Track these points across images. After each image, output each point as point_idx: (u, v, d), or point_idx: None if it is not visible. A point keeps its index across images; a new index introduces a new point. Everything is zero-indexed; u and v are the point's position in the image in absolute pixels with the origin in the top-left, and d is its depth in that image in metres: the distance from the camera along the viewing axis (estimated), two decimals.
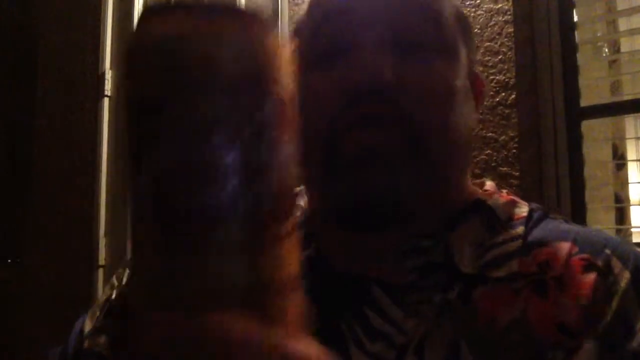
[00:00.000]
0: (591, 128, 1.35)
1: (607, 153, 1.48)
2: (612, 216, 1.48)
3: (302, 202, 0.60)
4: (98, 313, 0.56)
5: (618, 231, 1.47)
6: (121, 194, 1.89)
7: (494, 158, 1.29)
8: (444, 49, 0.50)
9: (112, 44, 1.97)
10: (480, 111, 1.30)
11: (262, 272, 0.26)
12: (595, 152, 1.39)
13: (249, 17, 0.27)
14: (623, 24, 1.47)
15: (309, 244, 0.53)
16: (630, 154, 1.48)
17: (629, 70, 1.44)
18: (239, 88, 0.26)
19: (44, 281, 2.00)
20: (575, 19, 1.35)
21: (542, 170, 1.31)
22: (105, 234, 1.89)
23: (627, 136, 1.45)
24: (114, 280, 0.58)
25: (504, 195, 0.54)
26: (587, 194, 1.30)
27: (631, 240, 1.46)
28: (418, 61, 0.48)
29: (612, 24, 1.50)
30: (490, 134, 1.30)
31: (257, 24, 0.27)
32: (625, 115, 1.37)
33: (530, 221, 0.50)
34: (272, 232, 0.26)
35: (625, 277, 0.44)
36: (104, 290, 0.58)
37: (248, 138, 0.26)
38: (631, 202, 1.45)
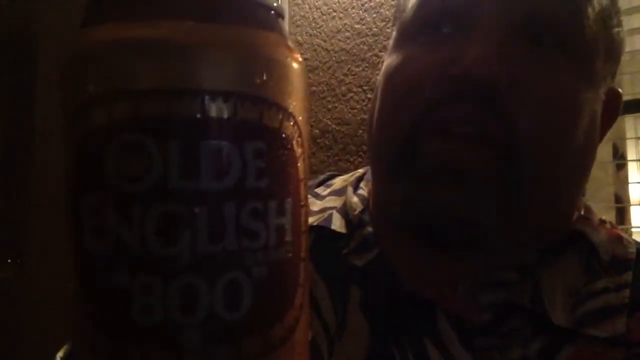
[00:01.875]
0: None
1: (607, 153, 1.48)
2: (612, 216, 1.47)
3: (366, 189, 0.50)
4: None
5: None
6: None
7: None
8: (580, 48, 0.39)
9: None
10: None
11: None
12: None
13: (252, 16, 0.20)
14: (623, 24, 1.46)
15: (373, 245, 0.45)
16: (631, 154, 1.48)
17: (629, 70, 1.44)
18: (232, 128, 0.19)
19: (44, 281, 2.00)
20: None
21: None
22: None
23: (627, 136, 1.45)
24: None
25: (607, 228, 0.45)
26: (587, 194, 1.29)
27: None
28: (545, 59, 0.38)
29: None
30: None
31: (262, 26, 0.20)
32: (626, 115, 1.37)
33: (638, 268, 0.41)
34: (250, 349, 0.19)
35: None
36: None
37: (215, 210, 0.19)
38: (631, 202, 1.45)
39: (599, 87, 0.43)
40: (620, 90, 0.47)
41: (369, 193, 0.50)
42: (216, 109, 0.18)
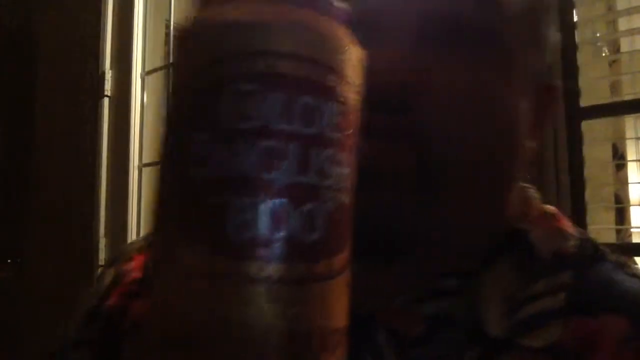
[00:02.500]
0: (591, 128, 1.35)
1: (607, 153, 1.48)
2: (612, 216, 1.48)
3: None
4: (80, 323, 0.48)
5: (618, 231, 1.47)
6: (122, 194, 1.89)
7: None
8: (495, 43, 0.38)
9: (112, 44, 1.97)
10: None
11: (301, 320, 0.22)
12: (595, 152, 1.39)
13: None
14: (623, 24, 1.46)
15: None
16: (630, 154, 1.48)
17: (629, 70, 1.44)
18: (303, 86, 0.23)
19: (44, 281, 2.00)
20: (575, 18, 1.35)
21: (541, 170, 1.31)
22: (105, 234, 1.89)
23: (627, 136, 1.45)
24: (97, 287, 0.50)
25: (549, 223, 0.42)
26: (587, 194, 1.30)
27: (631, 240, 1.46)
28: (456, 59, 0.36)
29: (612, 24, 1.49)
30: None
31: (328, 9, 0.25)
32: (626, 115, 1.37)
33: (579, 265, 0.39)
34: (318, 270, 0.23)
35: None
36: (86, 297, 0.51)
37: (304, 149, 0.23)
38: (631, 202, 1.45)
39: (526, 82, 0.40)
40: (556, 84, 0.44)
41: None
42: (310, 73, 0.23)
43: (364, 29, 0.33)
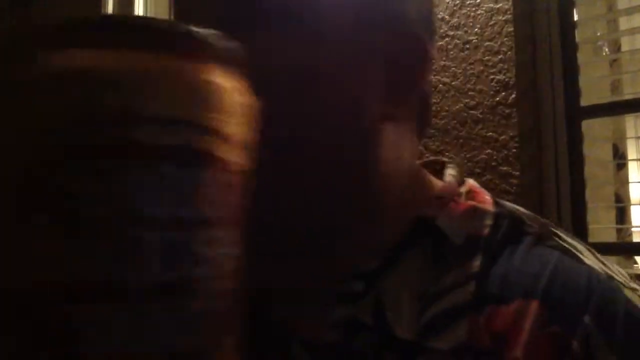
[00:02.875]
0: (591, 127, 1.35)
1: (607, 152, 1.48)
2: (612, 216, 1.48)
3: None
4: None
5: (618, 231, 1.47)
6: None
7: (494, 157, 1.29)
8: (305, 13, 0.34)
9: None
10: (480, 110, 1.30)
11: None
12: (595, 152, 1.39)
13: (199, 46, 0.20)
14: (623, 23, 1.46)
15: None
16: (631, 153, 1.48)
17: (630, 69, 1.44)
18: (173, 154, 0.18)
19: None
20: (576, 18, 1.35)
21: (542, 169, 1.31)
22: None
23: (628, 135, 1.45)
24: None
25: (462, 202, 0.38)
26: (588, 194, 1.30)
27: (631, 239, 1.46)
28: (273, 40, 0.33)
29: (613, 23, 1.49)
30: (490, 133, 1.30)
31: (211, 57, 0.20)
32: (626, 115, 1.37)
33: (492, 244, 0.36)
34: None
35: None
36: None
37: (178, 228, 0.18)
38: (631, 202, 1.45)
39: (363, 43, 0.35)
40: (417, 33, 0.37)
41: None
42: (176, 138, 0.18)
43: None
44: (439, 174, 0.42)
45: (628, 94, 1.39)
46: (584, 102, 1.32)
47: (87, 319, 0.17)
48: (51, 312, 0.17)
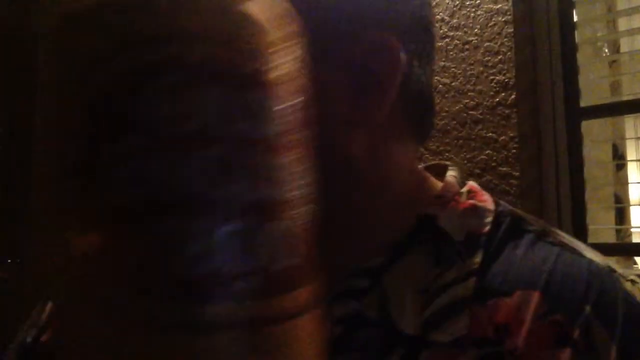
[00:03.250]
0: (591, 128, 1.35)
1: (607, 153, 1.48)
2: (612, 216, 1.48)
3: None
4: (12, 357, 0.44)
5: (618, 231, 1.47)
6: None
7: (494, 158, 1.29)
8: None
9: None
10: (480, 111, 1.30)
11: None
12: (595, 152, 1.39)
13: None
14: (623, 24, 1.47)
15: None
16: (630, 154, 1.48)
17: (629, 70, 1.44)
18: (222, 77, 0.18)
19: (44, 281, 2.00)
20: (575, 19, 1.35)
21: (542, 170, 1.31)
22: None
23: (627, 136, 1.45)
24: (36, 317, 0.46)
25: (462, 202, 0.39)
26: (587, 194, 1.30)
27: (631, 240, 1.46)
28: None
29: (612, 24, 1.50)
30: (490, 134, 1.30)
31: None
32: (625, 116, 1.37)
33: (493, 241, 0.37)
34: (282, 307, 0.18)
35: (611, 357, 0.31)
36: (24, 327, 0.47)
37: (253, 156, 0.18)
38: (631, 202, 1.45)
39: (328, 51, 0.35)
40: (392, 40, 0.36)
41: None
42: (249, 61, 0.18)
43: None
44: (441, 177, 0.42)
45: (627, 94, 1.39)
46: (584, 102, 1.33)
47: (183, 232, 0.17)
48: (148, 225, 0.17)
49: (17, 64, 2.33)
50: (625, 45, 1.48)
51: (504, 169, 1.28)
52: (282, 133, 0.19)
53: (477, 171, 1.29)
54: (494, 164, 1.29)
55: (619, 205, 1.47)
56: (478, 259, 0.36)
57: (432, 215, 0.38)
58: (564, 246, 0.37)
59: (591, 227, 1.30)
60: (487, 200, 0.40)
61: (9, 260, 2.24)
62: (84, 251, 0.18)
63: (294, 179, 0.19)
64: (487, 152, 1.30)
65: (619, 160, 1.49)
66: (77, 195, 0.18)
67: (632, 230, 1.47)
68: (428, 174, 0.42)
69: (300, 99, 0.20)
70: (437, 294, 0.35)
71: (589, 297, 0.33)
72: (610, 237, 1.44)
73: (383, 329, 0.35)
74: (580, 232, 1.26)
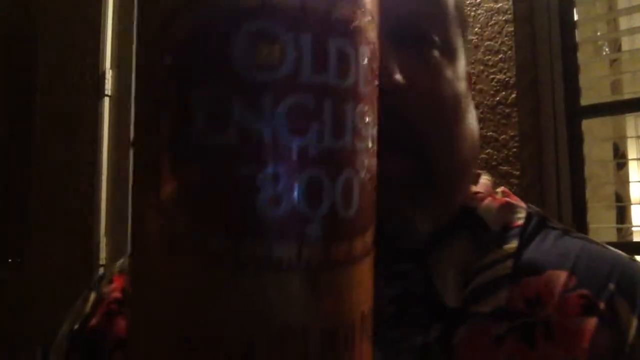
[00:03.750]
0: (591, 127, 1.35)
1: (607, 152, 1.48)
2: (612, 215, 1.47)
3: None
4: (64, 345, 0.48)
5: (619, 230, 1.47)
6: (122, 193, 1.89)
7: (494, 157, 1.29)
8: (447, 43, 0.41)
9: (112, 44, 1.97)
10: (481, 110, 1.30)
11: (342, 311, 0.19)
12: (595, 151, 1.39)
13: None
14: (624, 23, 1.46)
15: None
16: (631, 153, 1.48)
17: (630, 69, 1.44)
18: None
19: (44, 281, 2.00)
20: (576, 17, 1.35)
21: (542, 169, 1.30)
22: (105, 234, 1.89)
23: (628, 135, 1.45)
24: (80, 307, 0.49)
25: (498, 198, 0.44)
26: (588, 193, 1.30)
27: (632, 239, 1.46)
28: (426, 59, 0.39)
29: (613, 22, 1.49)
30: (490, 133, 1.30)
31: None
32: (626, 114, 1.37)
33: (525, 233, 0.42)
34: (356, 249, 0.20)
35: (632, 326, 0.36)
36: (69, 317, 0.50)
37: (339, 106, 0.19)
38: (632, 201, 1.45)
39: (463, 72, 0.43)
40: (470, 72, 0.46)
41: None
42: (339, 8, 0.19)
43: None
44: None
45: (628, 93, 1.39)
46: (584, 101, 1.32)
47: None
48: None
49: (17, 64, 2.33)
50: (626, 44, 1.48)
51: (505, 167, 1.28)
52: (361, 83, 0.20)
53: (478, 170, 1.29)
54: (494, 163, 1.29)
55: (619, 204, 1.46)
56: (514, 245, 0.40)
57: (473, 207, 0.43)
58: (587, 239, 0.43)
59: (592, 226, 1.30)
60: (519, 201, 0.45)
61: (9, 260, 2.24)
62: (167, 195, 0.19)
63: (367, 129, 0.20)
64: (487, 151, 1.30)
65: (620, 159, 1.49)
66: (163, 140, 0.19)
67: (633, 229, 1.46)
68: None
69: (374, 48, 0.21)
70: (477, 273, 0.39)
71: (612, 276, 0.38)
72: (611, 236, 1.43)
73: (428, 304, 0.39)
74: (581, 231, 1.25)
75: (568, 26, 1.35)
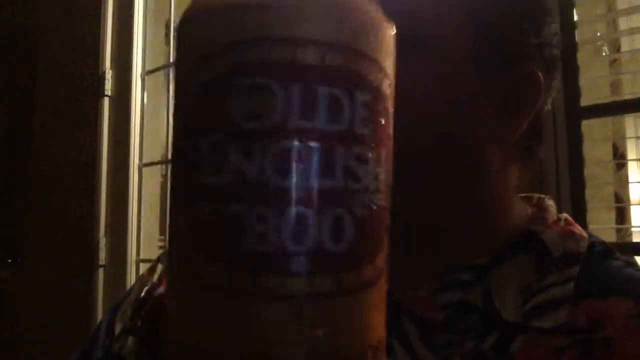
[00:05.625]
0: (591, 127, 1.35)
1: (607, 152, 1.48)
2: (612, 216, 1.48)
3: None
4: (129, 312, 0.51)
5: (618, 230, 1.47)
6: (122, 194, 1.89)
7: None
8: (431, 37, 0.40)
9: (112, 44, 1.97)
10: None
11: (330, 341, 0.20)
12: (595, 152, 1.39)
13: None
14: (623, 23, 1.46)
15: None
16: (631, 153, 1.48)
17: (629, 69, 1.44)
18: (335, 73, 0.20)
19: (44, 281, 2.00)
20: (576, 18, 1.35)
21: (542, 169, 1.30)
22: (105, 234, 1.89)
23: (628, 135, 1.45)
24: (147, 276, 0.53)
25: (561, 226, 0.46)
26: (587, 194, 1.29)
27: (631, 239, 1.46)
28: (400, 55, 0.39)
29: (613, 23, 1.49)
30: None
31: None
32: (626, 115, 1.37)
33: (588, 260, 0.43)
34: (346, 282, 0.21)
35: None
36: (135, 286, 0.54)
37: (327, 149, 0.20)
38: (631, 202, 1.45)
39: (485, 75, 0.43)
40: (538, 72, 0.46)
41: None
42: (333, 59, 0.20)
43: None
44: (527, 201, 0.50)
45: (628, 94, 1.39)
46: (584, 102, 1.32)
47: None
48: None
49: (17, 64, 2.33)
50: (625, 44, 1.48)
51: None
52: (357, 126, 0.21)
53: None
54: None
55: (619, 205, 1.46)
56: (575, 270, 0.42)
57: (536, 230, 0.44)
58: None
59: (591, 227, 1.30)
60: (581, 230, 0.47)
61: (9, 260, 2.24)
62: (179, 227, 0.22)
63: (367, 169, 0.21)
64: None
65: (620, 160, 1.49)
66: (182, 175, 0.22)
67: (632, 229, 1.46)
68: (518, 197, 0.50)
69: (378, 90, 0.22)
70: (537, 292, 0.41)
71: None
72: (610, 237, 1.43)
73: (485, 316, 0.41)
74: None
75: (568, 26, 1.34)
